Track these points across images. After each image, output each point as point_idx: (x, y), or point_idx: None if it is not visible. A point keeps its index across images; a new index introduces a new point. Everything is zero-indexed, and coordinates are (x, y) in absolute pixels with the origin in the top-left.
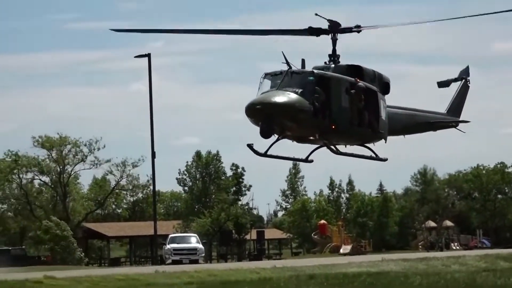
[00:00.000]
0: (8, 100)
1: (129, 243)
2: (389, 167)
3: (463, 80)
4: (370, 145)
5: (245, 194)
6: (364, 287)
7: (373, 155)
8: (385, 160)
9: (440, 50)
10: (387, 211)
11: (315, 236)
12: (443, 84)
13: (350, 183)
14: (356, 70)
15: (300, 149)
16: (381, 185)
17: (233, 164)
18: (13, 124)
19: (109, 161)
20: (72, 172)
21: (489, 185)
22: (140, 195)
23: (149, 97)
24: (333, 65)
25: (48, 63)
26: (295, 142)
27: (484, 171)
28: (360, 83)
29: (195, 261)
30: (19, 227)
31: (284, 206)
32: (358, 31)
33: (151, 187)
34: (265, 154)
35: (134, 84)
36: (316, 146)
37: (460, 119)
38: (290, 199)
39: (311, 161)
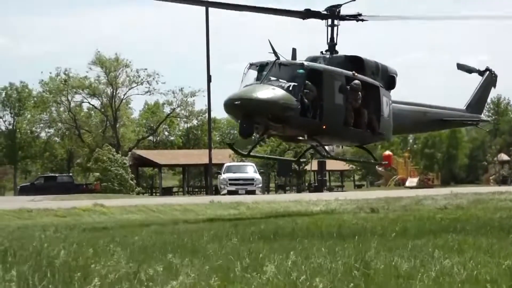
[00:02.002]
0: (59, 19)
1: (182, 172)
2: (460, 96)
3: (488, 72)
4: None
5: None
6: (432, 222)
7: (372, 159)
8: (385, 164)
9: None
10: (457, 143)
11: (380, 168)
12: (463, 68)
13: None
14: (356, 62)
15: None
16: None
17: None
18: (64, 44)
19: (165, 93)
20: (125, 96)
21: None
22: (194, 122)
23: (205, 15)
24: (329, 56)
25: None
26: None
27: None
28: (358, 78)
29: (252, 192)
30: (66, 153)
31: None
32: (358, 20)
33: (207, 114)
34: (248, 155)
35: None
36: (308, 146)
37: (482, 116)
38: None
39: (304, 162)
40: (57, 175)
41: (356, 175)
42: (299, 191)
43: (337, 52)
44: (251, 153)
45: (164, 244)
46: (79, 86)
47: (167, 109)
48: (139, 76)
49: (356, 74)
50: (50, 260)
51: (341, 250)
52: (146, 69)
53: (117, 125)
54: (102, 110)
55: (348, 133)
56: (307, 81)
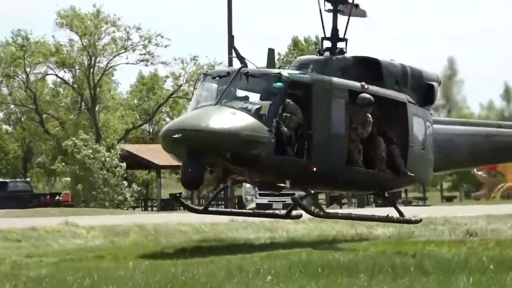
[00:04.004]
0: None
1: None
2: None
3: None
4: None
5: None
6: None
7: (396, 214)
8: (416, 222)
9: None
10: None
11: (479, 173)
12: None
13: None
14: (370, 67)
15: None
16: None
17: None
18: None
19: (168, 64)
20: (108, 67)
21: None
22: None
23: None
24: (328, 58)
25: None
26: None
27: None
28: (370, 91)
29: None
30: (21, 148)
31: None
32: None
33: None
34: (205, 210)
35: None
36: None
37: None
38: (442, 114)
39: (298, 216)
40: (7, 180)
41: (445, 182)
42: (360, 205)
43: (342, 52)
44: (210, 208)
45: (164, 281)
46: (42, 53)
47: (169, 85)
48: (129, 39)
49: (366, 86)
50: None
51: None
52: (140, 28)
53: (97, 108)
54: (75, 86)
55: (353, 176)
56: (287, 100)
